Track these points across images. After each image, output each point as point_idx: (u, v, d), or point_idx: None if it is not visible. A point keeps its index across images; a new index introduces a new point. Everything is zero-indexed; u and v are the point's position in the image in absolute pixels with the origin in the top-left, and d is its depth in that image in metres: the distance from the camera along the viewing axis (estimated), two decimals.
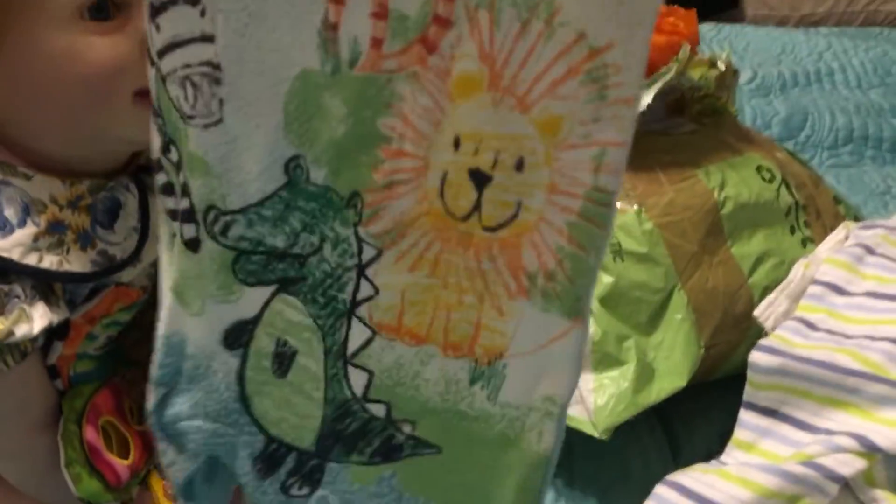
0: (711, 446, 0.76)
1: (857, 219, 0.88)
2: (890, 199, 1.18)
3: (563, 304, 0.40)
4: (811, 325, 0.67)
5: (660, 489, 0.61)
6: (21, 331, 0.57)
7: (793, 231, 0.79)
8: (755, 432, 0.64)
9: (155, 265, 0.68)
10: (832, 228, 0.80)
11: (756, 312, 0.72)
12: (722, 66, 0.82)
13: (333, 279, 0.42)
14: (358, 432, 0.44)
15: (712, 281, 0.74)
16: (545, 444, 0.42)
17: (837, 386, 0.61)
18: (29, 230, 0.58)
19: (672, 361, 0.72)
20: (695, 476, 0.61)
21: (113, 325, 0.66)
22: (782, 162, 0.83)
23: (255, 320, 0.44)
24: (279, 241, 0.42)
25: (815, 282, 0.70)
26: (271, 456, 0.46)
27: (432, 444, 0.43)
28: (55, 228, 0.59)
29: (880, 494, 0.59)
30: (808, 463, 0.58)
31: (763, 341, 0.65)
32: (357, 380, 0.43)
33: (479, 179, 0.39)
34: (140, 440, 0.67)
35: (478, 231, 0.39)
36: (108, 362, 0.68)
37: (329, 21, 0.37)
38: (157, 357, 0.48)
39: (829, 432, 0.61)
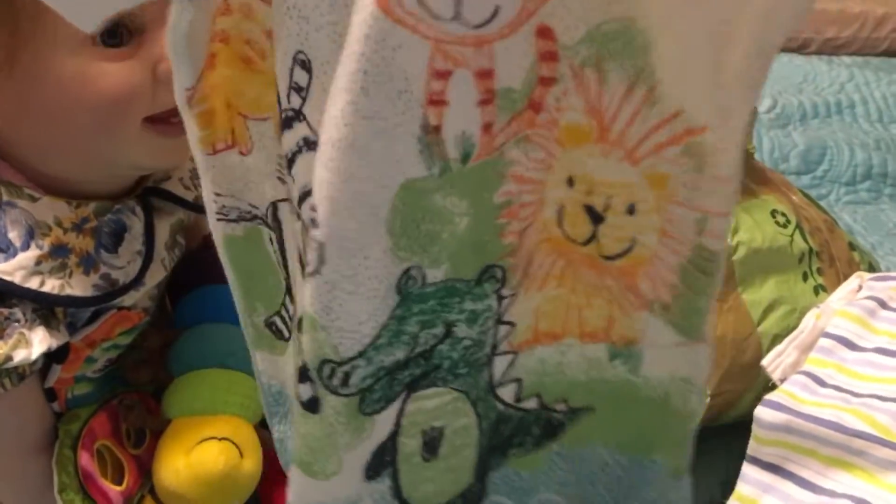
0: (714, 494, 0.75)
1: (871, 266, 0.86)
2: None
3: (682, 329, 0.41)
4: (819, 381, 0.66)
5: None
6: (19, 356, 0.56)
7: (805, 278, 0.77)
8: (758, 488, 0.63)
9: (158, 287, 0.68)
10: (846, 276, 0.79)
11: (764, 362, 0.71)
12: None
13: (475, 347, 0.41)
14: (514, 430, 0.45)
15: (721, 328, 0.73)
16: (691, 407, 0.44)
17: (844, 447, 0.60)
18: (32, 253, 0.57)
19: None
20: None
21: (113, 348, 0.66)
22: (798, 205, 0.81)
23: (394, 434, 0.42)
24: (399, 355, 0.40)
25: (826, 334, 0.69)
26: None
27: (587, 407, 0.45)
28: (58, 252, 0.58)
29: None
30: None
31: (769, 396, 0.64)
32: (506, 394, 0.44)
33: (594, 216, 0.40)
34: (135, 465, 0.66)
35: (597, 256, 0.41)
36: (106, 385, 0.68)
37: (430, 125, 0.35)
38: None
39: (832, 494, 0.59)
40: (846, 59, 1.65)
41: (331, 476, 0.42)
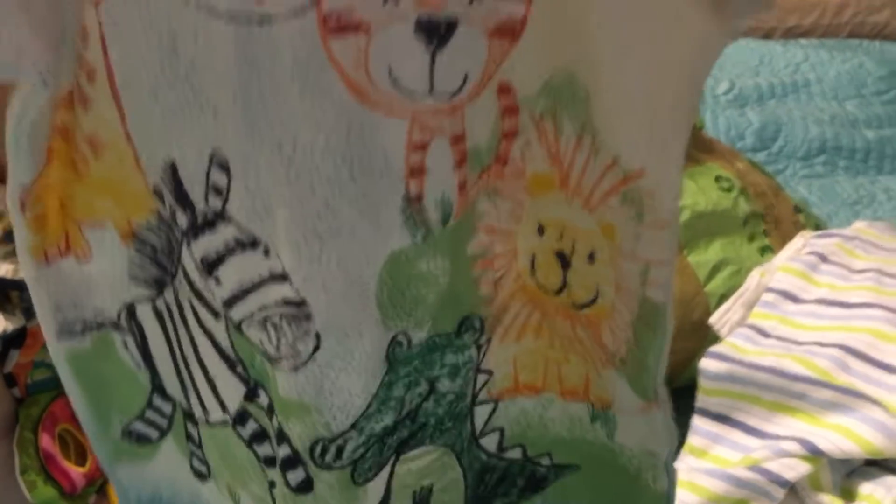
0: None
1: (817, 227, 0.89)
2: (861, 210, 1.18)
3: (636, 388, 0.42)
4: (763, 332, 0.68)
5: None
6: None
7: (751, 239, 0.79)
8: (707, 438, 0.65)
9: None
10: (792, 237, 0.81)
11: (711, 320, 0.73)
12: None
13: (458, 400, 0.41)
14: (499, 480, 0.45)
15: None
16: (660, 486, 0.44)
17: (785, 391, 0.62)
18: None
19: None
20: None
21: None
22: (742, 171, 0.84)
23: (385, 501, 0.42)
24: (388, 420, 0.40)
25: (769, 289, 0.71)
26: None
27: (572, 465, 0.45)
28: (12, 237, 0.60)
29: (826, 499, 0.59)
30: (755, 468, 0.59)
31: (713, 348, 0.66)
32: (490, 443, 0.43)
33: (563, 261, 0.40)
34: None
35: (570, 305, 0.41)
36: None
37: (412, 196, 0.36)
38: None
39: (776, 437, 0.61)
40: (802, 41, 1.68)
41: None
